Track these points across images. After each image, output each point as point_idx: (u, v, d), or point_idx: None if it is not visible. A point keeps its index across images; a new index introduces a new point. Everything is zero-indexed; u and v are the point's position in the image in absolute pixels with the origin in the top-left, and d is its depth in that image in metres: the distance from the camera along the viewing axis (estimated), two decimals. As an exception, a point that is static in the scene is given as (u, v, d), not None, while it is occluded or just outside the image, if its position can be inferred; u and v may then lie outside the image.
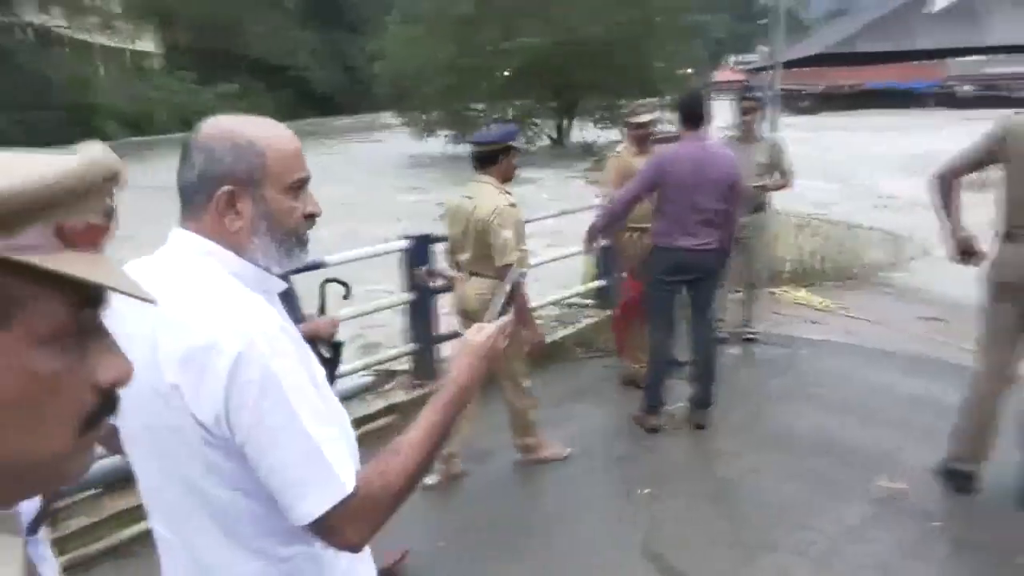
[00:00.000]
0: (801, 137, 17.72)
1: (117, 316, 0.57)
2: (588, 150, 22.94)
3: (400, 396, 4.16)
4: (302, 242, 1.14)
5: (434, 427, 1.09)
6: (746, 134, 4.92)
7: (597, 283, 5.49)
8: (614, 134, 23.76)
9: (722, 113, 5.62)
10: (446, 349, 4.52)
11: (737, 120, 4.97)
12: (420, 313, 4.23)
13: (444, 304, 4.31)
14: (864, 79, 39.08)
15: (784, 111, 9.99)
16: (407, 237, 4.11)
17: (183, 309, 1.00)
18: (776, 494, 3.36)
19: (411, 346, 4.29)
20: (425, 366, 4.31)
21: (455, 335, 4.44)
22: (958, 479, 3.25)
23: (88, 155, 0.50)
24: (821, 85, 40.19)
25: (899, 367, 4.71)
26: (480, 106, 26.59)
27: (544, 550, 3.01)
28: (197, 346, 0.97)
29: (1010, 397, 3.14)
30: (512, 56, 23.54)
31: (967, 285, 3.39)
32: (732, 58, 71.96)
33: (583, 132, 26.93)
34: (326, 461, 0.99)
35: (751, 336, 5.21)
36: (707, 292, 3.89)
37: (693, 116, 3.76)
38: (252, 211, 1.08)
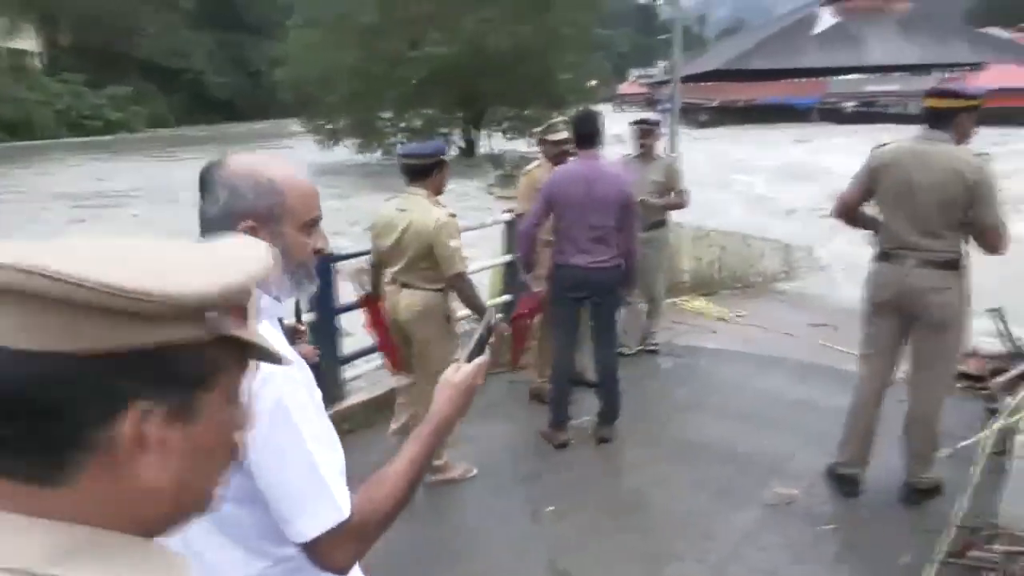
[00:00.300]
0: (698, 149, 18.44)
1: None
2: (497, 161, 23.08)
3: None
4: (310, 275, 1.22)
5: (417, 457, 1.15)
6: (644, 154, 5.07)
7: (504, 297, 5.49)
8: (522, 145, 24.04)
9: (620, 124, 5.75)
10: (350, 370, 4.42)
11: (635, 144, 5.12)
12: (323, 334, 4.11)
13: (348, 325, 4.22)
14: (756, 95, 41.10)
15: (682, 125, 10.35)
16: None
17: None
18: (679, 504, 3.45)
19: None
20: (328, 388, 4.18)
21: (361, 354, 4.36)
22: (844, 482, 3.43)
23: (267, 251, 0.61)
24: (717, 100, 41.94)
25: (792, 374, 4.95)
26: (387, 115, 26.34)
27: (450, 572, 2.97)
28: None
29: (889, 400, 3.35)
30: (419, 65, 23.43)
31: (855, 292, 3.59)
32: (635, 71, 74.31)
33: (491, 142, 27.09)
34: (326, 486, 1.05)
35: (653, 348, 5.36)
36: (607, 308, 3.96)
37: (586, 135, 3.82)
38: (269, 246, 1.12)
